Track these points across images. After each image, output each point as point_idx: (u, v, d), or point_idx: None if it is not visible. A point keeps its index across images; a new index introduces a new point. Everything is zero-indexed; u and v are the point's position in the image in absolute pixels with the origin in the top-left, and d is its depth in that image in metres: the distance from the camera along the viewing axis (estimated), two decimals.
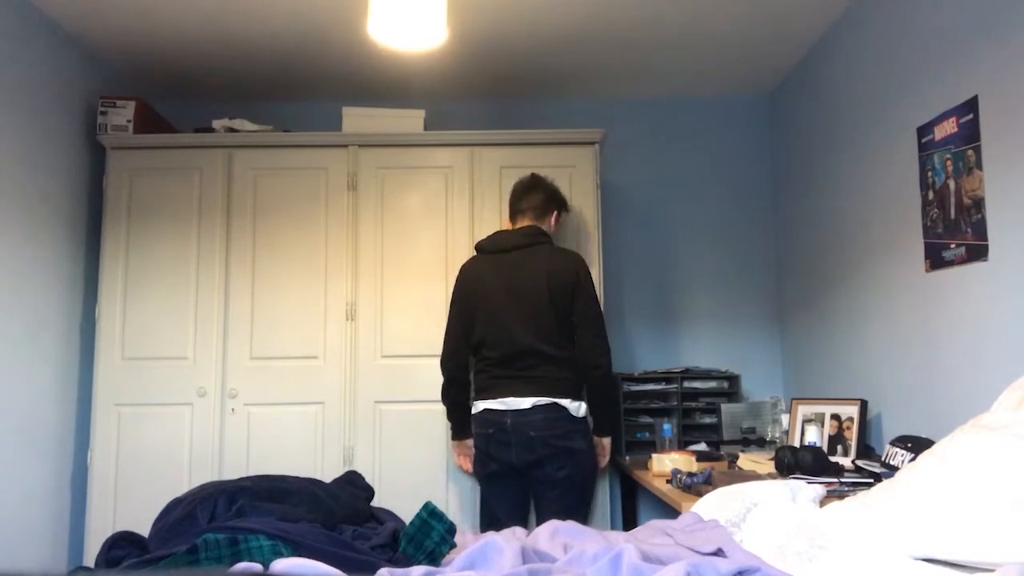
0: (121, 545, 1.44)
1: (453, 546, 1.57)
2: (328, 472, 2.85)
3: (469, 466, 2.64)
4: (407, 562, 1.43)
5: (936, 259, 2.28)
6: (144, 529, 1.55)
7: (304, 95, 3.58)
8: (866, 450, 2.57)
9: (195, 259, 2.99)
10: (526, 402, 2.43)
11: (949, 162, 2.20)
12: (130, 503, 2.84)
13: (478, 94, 3.62)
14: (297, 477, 1.71)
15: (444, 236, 3.00)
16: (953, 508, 1.34)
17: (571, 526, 1.68)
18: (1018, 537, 1.23)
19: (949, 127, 2.20)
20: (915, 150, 2.39)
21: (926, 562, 1.33)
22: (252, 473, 2.90)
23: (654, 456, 2.63)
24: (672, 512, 2.17)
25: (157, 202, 3.02)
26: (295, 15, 2.84)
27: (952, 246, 2.20)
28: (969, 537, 1.29)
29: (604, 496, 2.90)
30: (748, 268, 3.65)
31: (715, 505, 1.76)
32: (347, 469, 2.59)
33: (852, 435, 2.57)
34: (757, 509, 1.64)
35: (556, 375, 2.46)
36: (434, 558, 1.47)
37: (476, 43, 3.09)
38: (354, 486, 1.85)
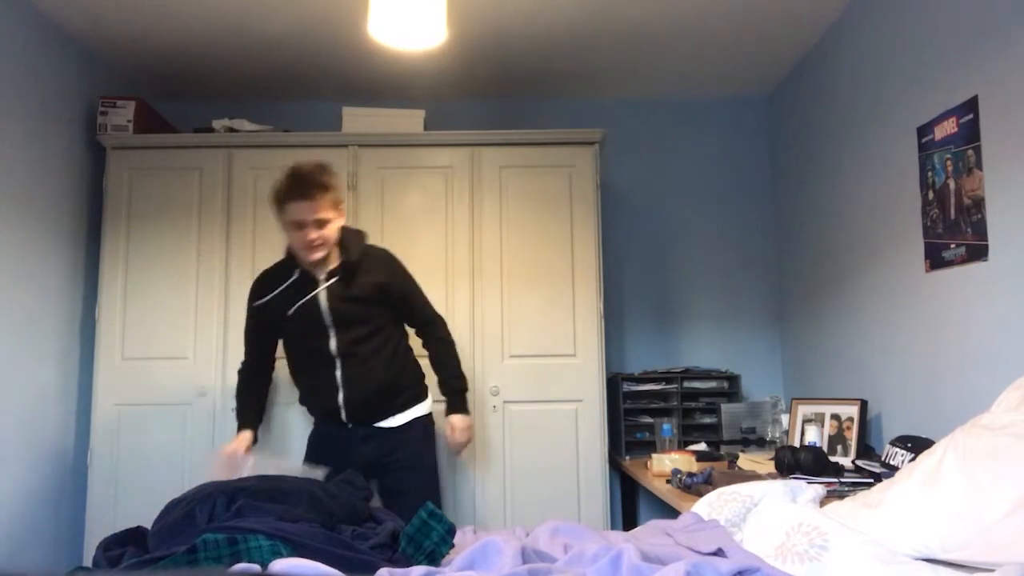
0: (115, 546, 1.43)
1: (452, 546, 1.57)
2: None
3: None
4: (406, 562, 1.43)
5: (936, 259, 2.28)
6: None
7: (304, 95, 3.58)
8: (866, 450, 2.56)
9: (195, 259, 2.99)
10: None
11: (949, 162, 2.20)
12: (130, 503, 2.84)
13: (478, 94, 3.62)
14: (296, 477, 1.71)
15: (444, 236, 3.00)
16: (953, 508, 1.34)
17: (571, 526, 1.68)
18: (1018, 537, 1.23)
19: (949, 127, 2.20)
20: (915, 150, 2.39)
21: (926, 562, 1.33)
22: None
23: (654, 456, 2.63)
24: (672, 512, 2.17)
25: (157, 202, 3.01)
26: (295, 15, 2.84)
27: (952, 246, 2.20)
28: (969, 537, 1.29)
29: (604, 496, 2.90)
30: (748, 268, 3.65)
31: (715, 505, 1.76)
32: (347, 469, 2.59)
33: (852, 435, 2.57)
34: (757, 509, 1.64)
35: None
36: (434, 558, 1.47)
37: (476, 43, 3.09)
38: (353, 486, 1.85)
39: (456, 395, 2.48)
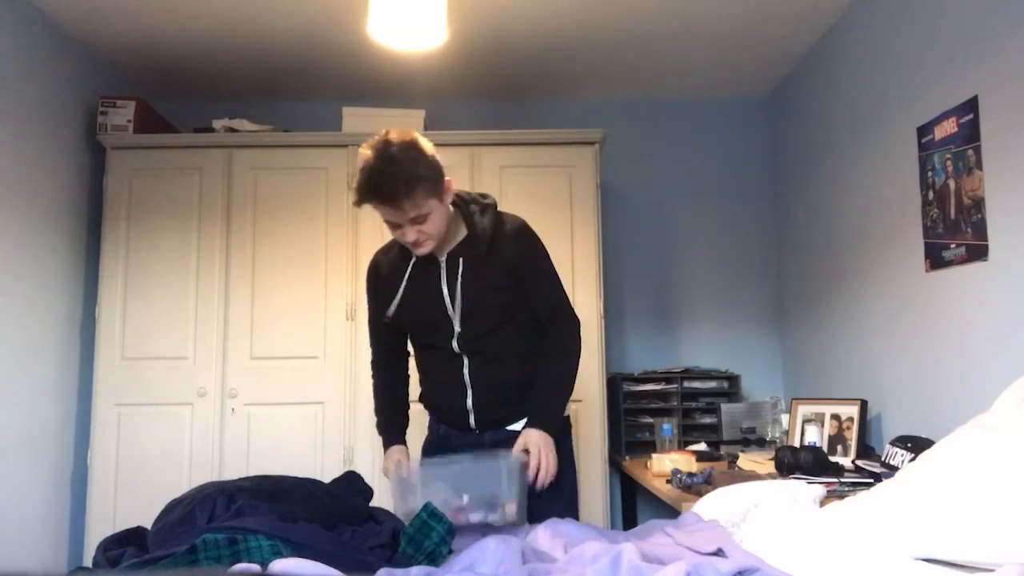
0: (115, 546, 1.43)
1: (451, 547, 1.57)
2: (328, 472, 2.84)
3: None
4: (406, 562, 1.43)
5: (936, 259, 2.28)
6: None
7: (304, 95, 3.58)
8: (866, 450, 2.56)
9: (195, 259, 2.99)
10: None
11: (949, 162, 2.20)
12: (130, 503, 2.84)
13: (478, 94, 3.62)
14: (296, 477, 1.70)
15: None
16: (953, 508, 1.34)
17: (571, 526, 1.68)
18: (1018, 537, 1.23)
19: (949, 127, 2.20)
20: (915, 150, 2.39)
21: (926, 562, 1.33)
22: (252, 473, 2.89)
23: (654, 456, 2.62)
24: (672, 512, 2.17)
25: (157, 202, 3.01)
26: (295, 15, 2.84)
27: (952, 246, 2.20)
28: (969, 537, 1.29)
29: (604, 496, 2.90)
30: (748, 268, 3.64)
31: (715, 505, 1.76)
32: (347, 469, 2.58)
33: (852, 435, 2.57)
34: (757, 509, 1.64)
35: None
36: (433, 559, 1.47)
37: (476, 43, 3.09)
38: (353, 486, 1.85)
39: (539, 408, 1.91)
